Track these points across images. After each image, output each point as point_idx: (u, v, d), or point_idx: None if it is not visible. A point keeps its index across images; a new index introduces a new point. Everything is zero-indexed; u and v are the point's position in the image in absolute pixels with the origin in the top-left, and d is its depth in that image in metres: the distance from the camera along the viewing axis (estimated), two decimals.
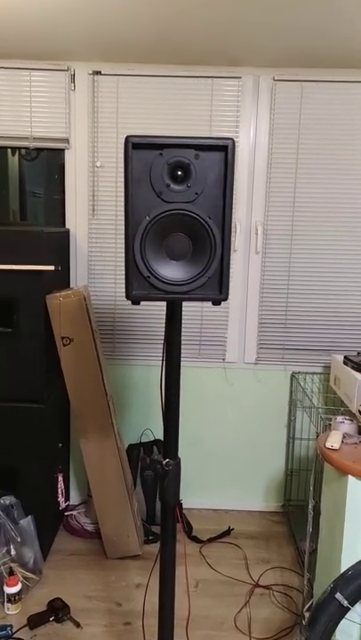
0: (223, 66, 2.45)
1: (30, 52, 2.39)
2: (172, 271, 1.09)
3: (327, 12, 1.86)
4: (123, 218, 2.58)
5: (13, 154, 2.74)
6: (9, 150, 2.70)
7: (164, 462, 1.20)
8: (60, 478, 2.27)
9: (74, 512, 2.65)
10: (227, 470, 2.80)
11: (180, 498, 2.74)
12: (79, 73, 2.50)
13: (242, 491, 2.80)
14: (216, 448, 2.78)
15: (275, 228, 2.57)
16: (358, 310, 2.61)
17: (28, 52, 2.38)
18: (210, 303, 1.12)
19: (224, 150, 1.04)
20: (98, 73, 2.49)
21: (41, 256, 2.13)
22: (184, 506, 2.79)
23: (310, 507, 1.93)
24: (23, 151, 2.68)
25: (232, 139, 1.04)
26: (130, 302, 1.11)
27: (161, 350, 2.62)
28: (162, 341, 2.67)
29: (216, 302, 1.09)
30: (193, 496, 2.78)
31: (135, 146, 1.03)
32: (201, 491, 2.79)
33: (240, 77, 2.47)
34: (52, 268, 2.16)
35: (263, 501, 2.81)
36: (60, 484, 2.27)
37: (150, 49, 2.29)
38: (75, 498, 2.80)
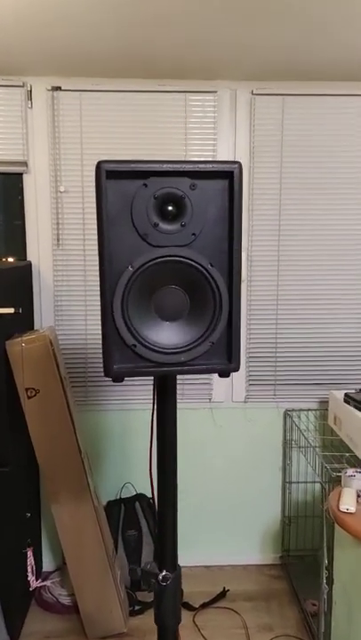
0: (197, 79, 2.24)
1: None
2: (164, 335, 0.83)
3: (307, 26, 1.68)
4: (93, 247, 2.34)
5: None
6: None
7: (161, 576, 0.93)
8: (30, 554, 1.96)
9: (47, 582, 2.32)
10: (217, 521, 2.52)
11: None
12: (36, 89, 2.24)
13: (235, 543, 2.53)
14: (204, 497, 2.50)
15: (260, 254, 2.35)
16: (353, 340, 2.40)
17: None
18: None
19: (228, 177, 0.80)
20: (58, 89, 2.24)
21: None
22: None
23: (324, 581, 1.67)
24: None
25: (239, 162, 0.80)
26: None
27: (137, 393, 2.36)
28: (140, 384, 2.41)
29: (224, 374, 0.84)
30: (181, 552, 2.48)
31: (110, 174, 0.77)
32: (190, 546, 2.51)
33: (216, 92, 2.26)
34: (11, 310, 1.87)
35: (259, 553, 2.54)
36: (30, 561, 1.95)
37: (116, 62, 2.06)
38: (48, 564, 2.47)
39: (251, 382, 2.43)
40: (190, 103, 2.25)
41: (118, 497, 2.41)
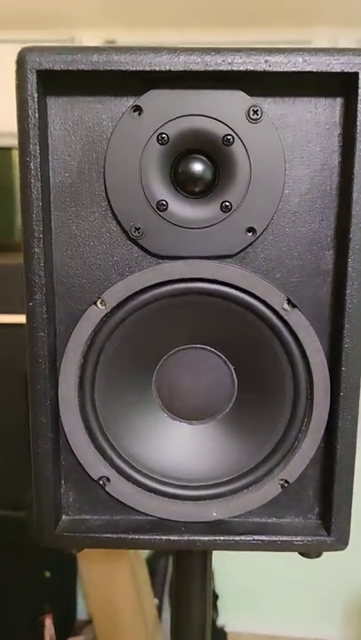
0: (284, 26, 1.75)
1: (18, 19, 1.77)
2: (179, 455, 0.37)
3: None
4: None
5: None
6: (12, 152, 2.06)
7: None
8: (49, 622, 1.59)
9: (79, 638, 1.96)
10: (288, 582, 2.03)
11: (222, 623, 2.01)
12: (87, 44, 1.85)
13: (310, 611, 2.03)
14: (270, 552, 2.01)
15: None
16: None
17: (14, 18, 1.76)
18: None
19: (344, 91, 0.32)
20: (112, 43, 1.84)
21: (15, 300, 1.47)
22: (228, 629, 2.05)
23: None
24: None
25: None
26: None
27: None
28: None
29: (310, 554, 0.37)
30: (239, 615, 2.04)
31: (52, 79, 0.32)
32: (251, 609, 2.05)
33: (309, 42, 1.75)
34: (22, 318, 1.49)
35: (341, 628, 2.03)
36: (50, 631, 1.59)
37: (183, 7, 1.63)
38: (83, 612, 2.11)
39: None
40: None
41: None
